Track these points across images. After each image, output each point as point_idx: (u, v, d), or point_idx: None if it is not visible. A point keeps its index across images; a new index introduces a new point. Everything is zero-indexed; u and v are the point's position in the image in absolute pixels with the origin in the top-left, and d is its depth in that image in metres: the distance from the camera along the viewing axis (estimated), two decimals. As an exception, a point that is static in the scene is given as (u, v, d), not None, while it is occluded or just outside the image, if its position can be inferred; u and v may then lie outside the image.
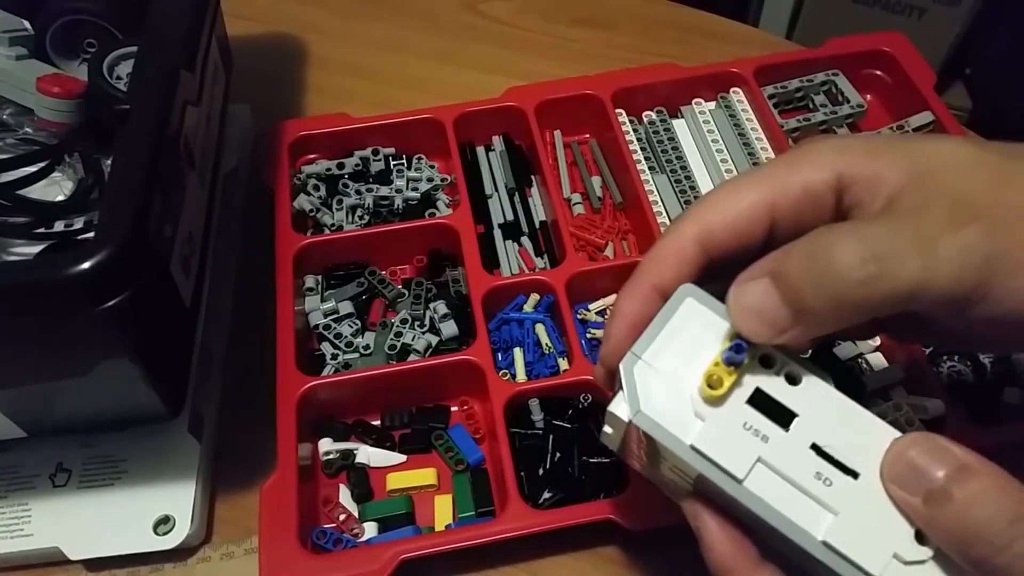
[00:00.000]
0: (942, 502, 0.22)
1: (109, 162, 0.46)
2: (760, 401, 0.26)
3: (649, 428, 0.26)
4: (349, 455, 0.45)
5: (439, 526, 0.43)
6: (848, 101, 0.59)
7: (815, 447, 0.25)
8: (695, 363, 0.27)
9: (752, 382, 0.26)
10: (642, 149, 0.57)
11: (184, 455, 0.45)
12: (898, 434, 0.25)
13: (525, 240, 0.54)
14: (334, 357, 0.48)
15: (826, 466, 0.25)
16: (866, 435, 0.25)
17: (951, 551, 0.22)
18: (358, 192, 0.55)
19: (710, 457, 0.25)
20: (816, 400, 0.26)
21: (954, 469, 0.22)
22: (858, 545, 0.24)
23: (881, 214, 0.25)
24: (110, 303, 0.33)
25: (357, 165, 0.57)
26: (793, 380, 0.26)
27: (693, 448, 0.26)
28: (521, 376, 0.47)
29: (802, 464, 0.25)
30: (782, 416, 0.26)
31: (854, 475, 0.25)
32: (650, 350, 0.27)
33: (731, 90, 0.59)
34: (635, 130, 0.58)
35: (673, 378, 0.27)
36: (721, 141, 0.57)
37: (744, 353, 0.26)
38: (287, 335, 0.47)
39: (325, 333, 0.49)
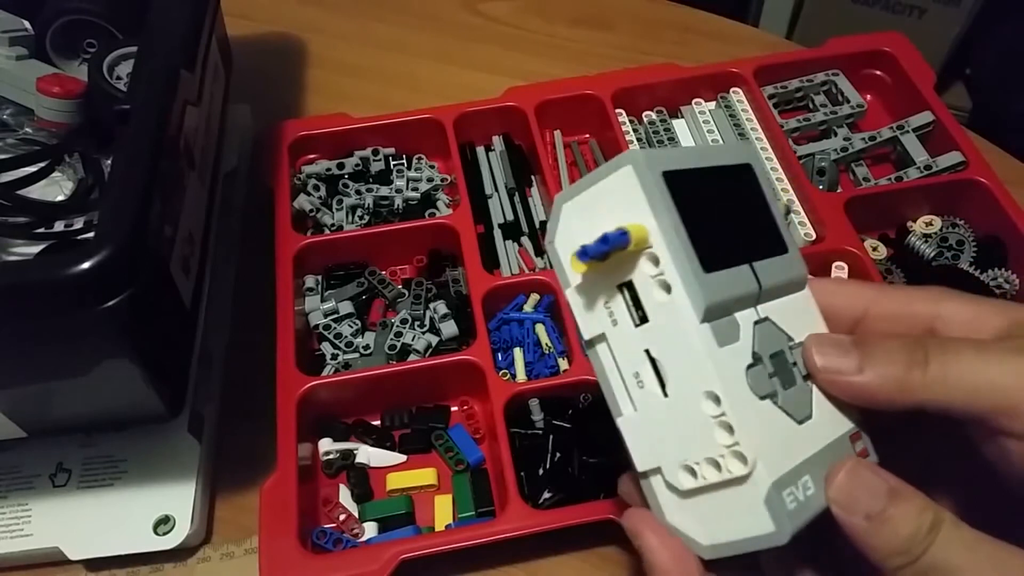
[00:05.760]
0: (881, 522, 0.25)
1: (109, 162, 0.46)
2: (631, 292, 0.27)
3: (553, 260, 0.28)
4: (349, 455, 0.45)
5: (439, 526, 0.43)
6: (848, 101, 0.59)
7: (648, 353, 0.27)
8: (596, 228, 0.27)
9: (636, 273, 0.27)
10: (642, 149, 0.57)
11: (184, 455, 0.45)
12: (716, 383, 0.26)
13: (525, 240, 0.54)
14: (334, 357, 0.48)
15: (648, 371, 0.27)
16: (692, 371, 0.26)
17: (880, 560, 0.25)
18: (358, 192, 0.55)
19: (572, 311, 0.28)
20: (676, 322, 0.27)
21: (887, 494, 0.26)
22: (639, 441, 0.28)
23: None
24: (110, 303, 0.33)
25: (357, 165, 0.57)
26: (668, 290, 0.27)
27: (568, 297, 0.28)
28: (521, 376, 0.47)
29: (630, 357, 0.27)
30: (640, 314, 0.27)
31: (664, 390, 0.27)
32: (578, 199, 0.28)
33: (731, 90, 0.59)
34: (635, 130, 0.58)
35: (578, 231, 0.28)
36: (721, 141, 0.57)
37: (609, 246, 0.26)
38: (287, 335, 0.47)
39: (325, 333, 0.49)
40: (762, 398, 0.27)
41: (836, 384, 0.28)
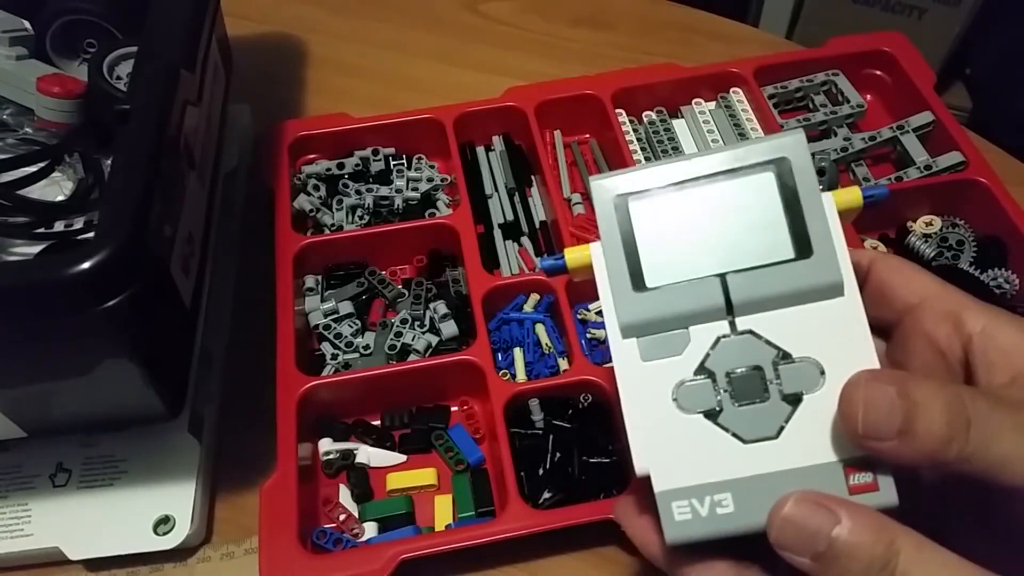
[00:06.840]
0: (828, 563, 0.25)
1: (109, 162, 0.46)
2: None
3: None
4: (349, 455, 0.45)
5: (439, 526, 0.43)
6: (848, 101, 0.59)
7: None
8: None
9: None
10: (642, 149, 0.56)
11: (184, 455, 0.45)
12: (620, 391, 0.28)
13: (525, 240, 0.54)
14: (334, 357, 0.48)
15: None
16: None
17: None
18: (358, 192, 0.55)
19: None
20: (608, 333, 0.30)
21: (832, 527, 0.25)
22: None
23: (1002, 389, 0.27)
24: (110, 303, 0.33)
25: (357, 165, 0.57)
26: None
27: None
28: (521, 376, 0.47)
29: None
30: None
31: None
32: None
33: (731, 90, 0.59)
34: (635, 130, 0.58)
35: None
36: (721, 141, 0.57)
37: (548, 269, 0.32)
38: (287, 335, 0.47)
39: (325, 333, 0.49)
40: (692, 412, 0.28)
41: (868, 447, 0.26)
